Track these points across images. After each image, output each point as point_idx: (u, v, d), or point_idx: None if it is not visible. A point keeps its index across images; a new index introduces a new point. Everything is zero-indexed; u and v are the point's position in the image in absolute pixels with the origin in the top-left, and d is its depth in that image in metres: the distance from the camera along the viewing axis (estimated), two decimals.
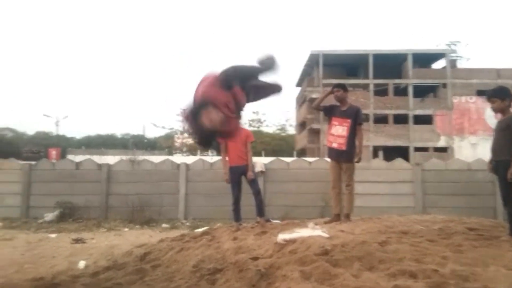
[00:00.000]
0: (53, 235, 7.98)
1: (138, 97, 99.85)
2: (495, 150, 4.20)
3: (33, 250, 6.53)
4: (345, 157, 5.28)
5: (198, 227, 8.10)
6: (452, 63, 35.44)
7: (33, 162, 11.18)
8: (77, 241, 7.29)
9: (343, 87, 5.48)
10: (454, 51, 37.22)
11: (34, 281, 4.10)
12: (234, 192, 5.68)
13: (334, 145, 5.34)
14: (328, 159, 5.70)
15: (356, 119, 5.28)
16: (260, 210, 5.70)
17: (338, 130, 5.31)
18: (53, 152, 31.23)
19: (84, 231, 8.62)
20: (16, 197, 10.36)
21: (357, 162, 5.41)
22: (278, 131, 47.31)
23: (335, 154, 5.39)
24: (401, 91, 34.22)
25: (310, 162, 10.84)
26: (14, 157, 11.87)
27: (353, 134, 5.27)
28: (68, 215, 9.86)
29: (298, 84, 42.73)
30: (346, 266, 2.93)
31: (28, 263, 5.59)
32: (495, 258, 3.05)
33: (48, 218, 9.65)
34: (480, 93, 32.23)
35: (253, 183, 5.67)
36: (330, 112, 5.52)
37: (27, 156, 28.90)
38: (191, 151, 37.81)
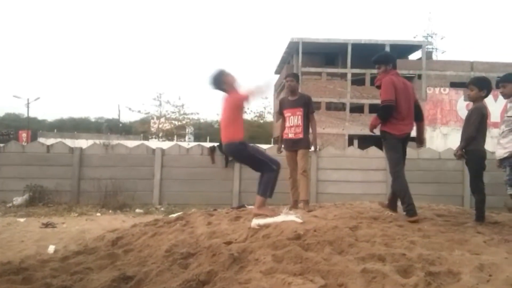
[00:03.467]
0: (22, 219, 7.78)
1: (113, 79, 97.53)
2: (463, 139, 4.31)
3: (1, 235, 6.35)
4: (302, 144, 5.26)
5: (172, 213, 8.05)
6: (428, 55, 36.18)
7: (1, 145, 10.81)
8: (47, 225, 7.13)
9: (295, 77, 5.56)
10: (430, 43, 38.04)
11: (1, 265, 3.99)
12: None
13: (291, 135, 5.33)
14: (283, 151, 5.61)
15: (308, 107, 5.31)
16: None
17: (294, 120, 5.29)
18: (23, 135, 30.30)
19: (55, 215, 8.43)
20: None
21: (315, 150, 5.48)
22: (255, 118, 47.33)
23: (291, 143, 5.33)
24: None
25: None
26: None
27: (307, 122, 5.29)
28: (38, 199, 9.61)
29: (277, 72, 42.72)
30: (317, 250, 2.98)
31: None
32: (461, 243, 3.16)
33: (17, 202, 9.38)
34: (453, 84, 33.12)
35: None
36: (281, 107, 5.52)
37: None
38: (167, 136, 37.39)
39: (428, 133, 33.59)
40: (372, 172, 10.51)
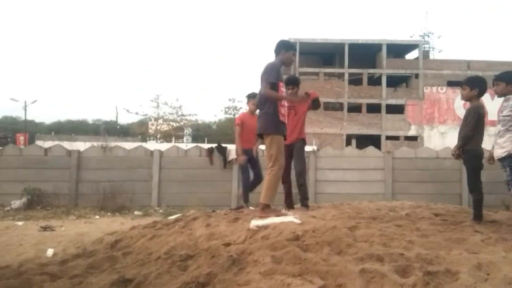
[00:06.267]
0: (20, 223, 7.75)
1: (111, 82, 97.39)
2: (460, 138, 4.33)
3: None
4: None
5: (171, 214, 8.04)
6: (425, 54, 36.24)
7: None
8: (45, 228, 7.11)
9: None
10: (427, 43, 38.10)
11: (0, 269, 3.98)
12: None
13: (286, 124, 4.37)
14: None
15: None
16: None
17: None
18: (21, 138, 30.17)
19: (53, 218, 8.40)
20: None
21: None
22: None
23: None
24: (375, 81, 34.80)
25: None
26: None
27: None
28: (36, 202, 9.58)
29: None
30: (316, 250, 2.98)
31: None
32: (459, 242, 3.17)
33: (15, 205, 9.36)
34: (450, 83, 33.21)
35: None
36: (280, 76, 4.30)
37: None
38: (165, 137, 37.32)
39: (426, 132, 33.72)
40: (370, 172, 10.52)
